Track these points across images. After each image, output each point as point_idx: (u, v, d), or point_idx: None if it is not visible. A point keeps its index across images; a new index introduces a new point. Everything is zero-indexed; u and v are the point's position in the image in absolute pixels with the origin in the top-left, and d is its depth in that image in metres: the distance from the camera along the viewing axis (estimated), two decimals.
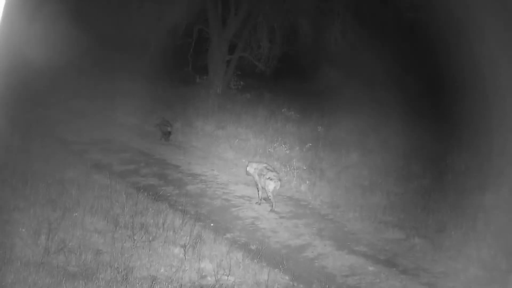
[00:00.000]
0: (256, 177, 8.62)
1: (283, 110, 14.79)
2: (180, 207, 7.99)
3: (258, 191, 8.66)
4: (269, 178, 8.36)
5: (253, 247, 7.07)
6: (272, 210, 8.53)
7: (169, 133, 12.31)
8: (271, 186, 8.37)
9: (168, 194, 8.83)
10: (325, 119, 14.74)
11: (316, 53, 17.83)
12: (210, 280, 5.90)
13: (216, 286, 5.80)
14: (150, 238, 6.61)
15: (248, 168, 8.78)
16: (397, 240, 7.79)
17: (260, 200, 8.70)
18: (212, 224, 7.81)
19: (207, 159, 11.32)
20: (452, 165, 11.27)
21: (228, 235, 7.51)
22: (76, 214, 7.01)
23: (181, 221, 7.27)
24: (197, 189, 9.52)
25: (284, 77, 19.40)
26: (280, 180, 8.56)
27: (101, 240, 6.44)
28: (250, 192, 9.41)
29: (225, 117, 14.26)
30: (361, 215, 8.67)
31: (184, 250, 6.47)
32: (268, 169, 8.57)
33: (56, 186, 7.95)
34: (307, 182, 9.90)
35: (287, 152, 11.34)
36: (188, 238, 6.76)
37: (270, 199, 8.51)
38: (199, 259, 6.35)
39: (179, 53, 17.65)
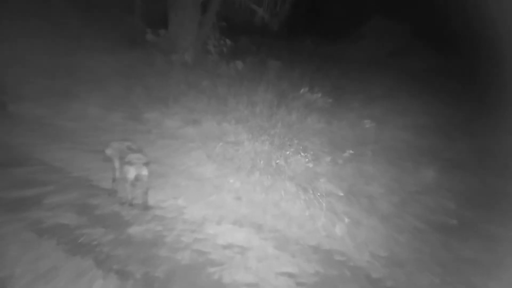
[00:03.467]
0: (117, 163, 7.47)
1: (301, 91, 11.51)
2: (115, 267, 6.26)
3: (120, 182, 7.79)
4: (128, 162, 7.19)
5: None
6: (130, 205, 7.39)
7: (4, 104, 9.90)
8: (130, 173, 7.20)
9: (95, 243, 6.57)
10: (377, 108, 11.37)
11: None
12: None
13: None
14: None
15: (107, 151, 7.52)
16: None
17: (132, 199, 7.44)
18: None
19: (166, 178, 8.51)
20: None
21: None
22: None
23: None
24: (146, 233, 6.92)
25: (304, 33, 14.95)
26: (146, 165, 7.31)
27: None
28: (242, 237, 7.04)
29: (199, 104, 11.03)
30: (444, 279, 6.70)
31: None
32: (131, 149, 7.38)
33: None
34: (346, 220, 7.47)
35: (309, 165, 8.73)
36: None
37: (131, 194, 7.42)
38: None
39: None
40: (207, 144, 9.46)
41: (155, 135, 9.80)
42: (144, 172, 7.15)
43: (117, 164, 7.43)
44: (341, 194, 8.06)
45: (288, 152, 9.05)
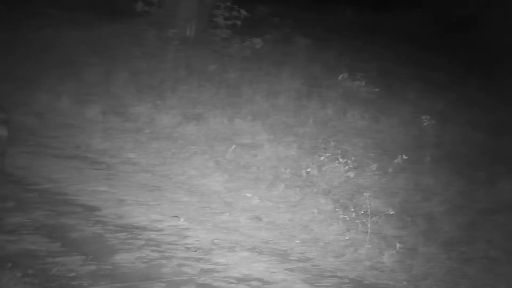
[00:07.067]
0: None
1: (339, 78, 10.49)
2: None
3: None
4: None
5: None
6: None
7: None
8: None
9: (72, 274, 5.43)
10: (439, 100, 10.21)
11: None
12: None
13: None
14: None
15: None
16: None
17: None
18: None
19: (161, 192, 7.66)
20: None
21: None
22: None
23: None
24: (138, 262, 5.87)
25: (341, 0, 14.15)
26: (6, 123, 6.83)
27: None
28: (262, 268, 6.04)
29: (203, 95, 10.16)
30: None
31: None
32: None
33: None
34: (397, 246, 6.45)
35: (350, 175, 8.06)
36: None
37: None
38: None
39: None
40: (215, 148, 8.60)
41: (146, 135, 8.91)
42: (4, 132, 6.60)
43: None
44: (392, 212, 6.94)
45: (322, 158, 8.15)
